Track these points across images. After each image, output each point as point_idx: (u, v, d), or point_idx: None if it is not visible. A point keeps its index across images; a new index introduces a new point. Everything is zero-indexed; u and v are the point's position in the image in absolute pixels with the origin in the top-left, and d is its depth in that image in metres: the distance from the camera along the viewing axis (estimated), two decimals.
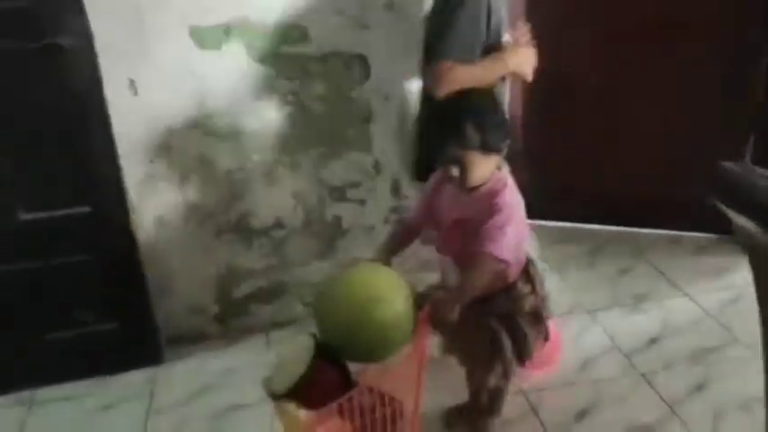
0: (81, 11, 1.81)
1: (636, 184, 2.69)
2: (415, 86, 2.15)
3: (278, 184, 2.22)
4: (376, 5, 2.08)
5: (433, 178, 1.77)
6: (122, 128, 1.97)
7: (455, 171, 1.61)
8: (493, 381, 1.78)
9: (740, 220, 1.10)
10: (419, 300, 1.55)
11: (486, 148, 1.60)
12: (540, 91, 2.33)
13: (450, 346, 1.98)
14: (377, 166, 2.28)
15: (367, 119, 2.20)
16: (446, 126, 1.60)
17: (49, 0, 1.79)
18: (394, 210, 2.35)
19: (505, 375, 1.78)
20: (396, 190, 2.33)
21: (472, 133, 1.57)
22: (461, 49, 1.76)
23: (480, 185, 1.65)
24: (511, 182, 1.70)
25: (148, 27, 1.94)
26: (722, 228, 2.70)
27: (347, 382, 1.50)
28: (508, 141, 1.65)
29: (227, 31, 2.00)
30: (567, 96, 2.62)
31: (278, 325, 2.35)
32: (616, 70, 2.59)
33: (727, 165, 1.15)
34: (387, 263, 1.68)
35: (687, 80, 2.52)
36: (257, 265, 2.31)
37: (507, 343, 1.75)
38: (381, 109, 2.20)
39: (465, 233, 1.65)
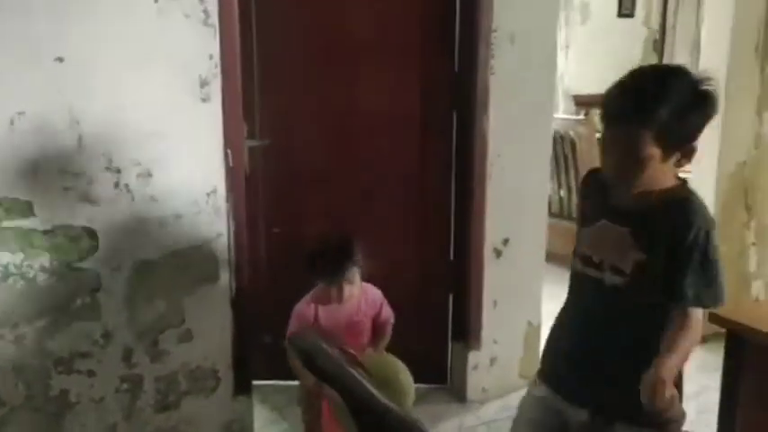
0: None
1: None
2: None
3: None
4: (106, 183, 2.24)
5: None
6: None
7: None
8: None
9: None
10: None
11: None
12: None
13: None
14: (105, 336, 2.31)
15: (96, 289, 2.27)
16: None
17: None
18: (125, 379, 2.36)
19: None
20: (127, 359, 2.36)
21: None
22: None
23: None
24: None
25: None
26: (437, 378, 3.09)
27: None
28: None
29: None
30: None
31: None
32: None
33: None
34: None
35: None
36: None
37: None
38: (110, 279, 2.29)
39: None
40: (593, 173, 1.78)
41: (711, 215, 1.61)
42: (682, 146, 1.54)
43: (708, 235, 1.54)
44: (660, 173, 1.56)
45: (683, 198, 1.59)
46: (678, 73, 1.55)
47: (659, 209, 1.58)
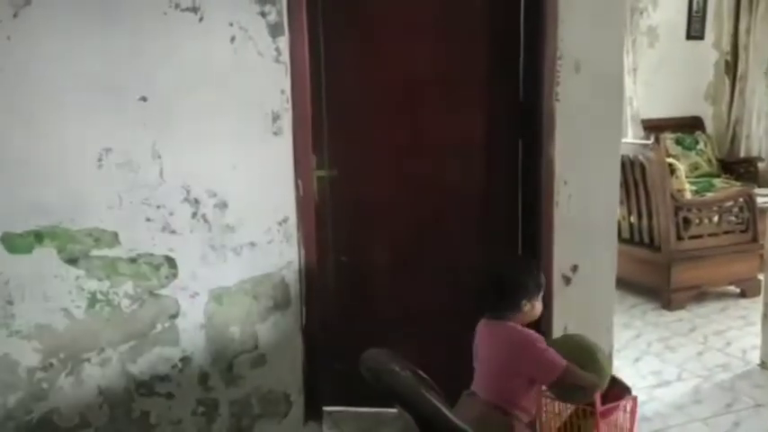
0: None
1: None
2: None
3: (84, 381, 2.28)
4: (185, 213, 2.35)
5: None
6: None
7: None
8: None
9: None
10: None
11: None
12: None
13: None
14: (184, 360, 2.41)
15: (174, 315, 2.38)
16: None
17: None
18: (201, 402, 2.45)
19: None
20: (203, 382, 2.45)
21: None
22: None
23: None
24: None
25: None
26: None
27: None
28: None
29: (38, 236, 2.17)
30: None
31: None
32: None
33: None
34: None
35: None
36: None
37: None
38: (188, 305, 2.39)
39: None
40: None
41: None
42: None
43: None
44: None
45: None
46: None
47: None
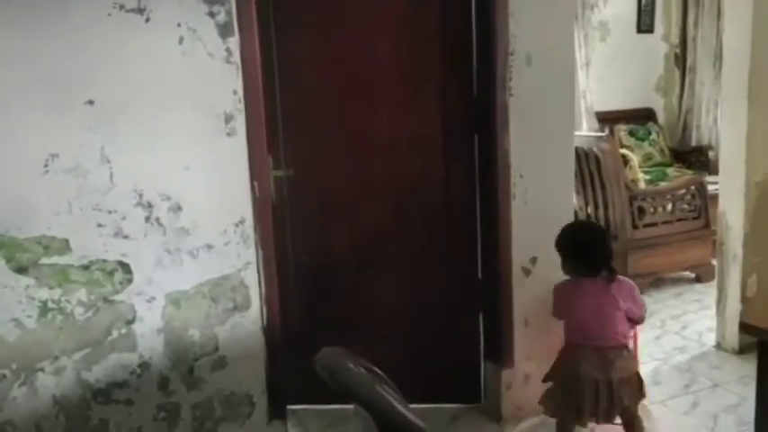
0: None
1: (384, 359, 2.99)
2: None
3: (38, 391, 2.23)
4: (138, 217, 2.32)
5: None
6: None
7: None
8: None
9: None
10: None
11: None
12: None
13: None
14: (142, 365, 2.37)
15: (131, 320, 2.34)
16: None
17: None
18: (162, 407, 2.41)
19: None
20: (164, 387, 2.42)
21: None
22: None
23: None
24: None
25: None
26: (471, 398, 3.08)
27: None
28: None
29: None
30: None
31: None
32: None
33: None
34: None
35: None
36: None
37: None
38: (145, 310, 2.36)
39: None
40: None
41: None
42: None
43: None
44: None
45: None
46: None
47: None
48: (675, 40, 6.42)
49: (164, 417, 2.42)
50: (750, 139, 3.38)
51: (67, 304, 2.24)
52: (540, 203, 2.92)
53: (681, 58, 6.44)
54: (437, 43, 2.88)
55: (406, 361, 2.84)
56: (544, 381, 2.68)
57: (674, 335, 3.78)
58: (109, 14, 2.20)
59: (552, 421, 2.65)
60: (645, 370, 3.30)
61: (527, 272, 2.93)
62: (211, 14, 2.33)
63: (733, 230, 3.47)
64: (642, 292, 4.37)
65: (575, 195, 4.17)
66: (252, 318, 2.52)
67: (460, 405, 3.07)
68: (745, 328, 1.91)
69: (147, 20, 2.25)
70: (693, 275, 4.62)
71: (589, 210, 4.53)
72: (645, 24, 6.26)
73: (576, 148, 4.04)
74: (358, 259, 2.97)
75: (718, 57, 5.58)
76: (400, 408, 1.52)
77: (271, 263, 2.56)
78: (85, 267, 2.25)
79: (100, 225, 2.26)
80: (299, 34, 2.81)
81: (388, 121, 2.92)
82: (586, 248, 2.62)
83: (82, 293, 2.25)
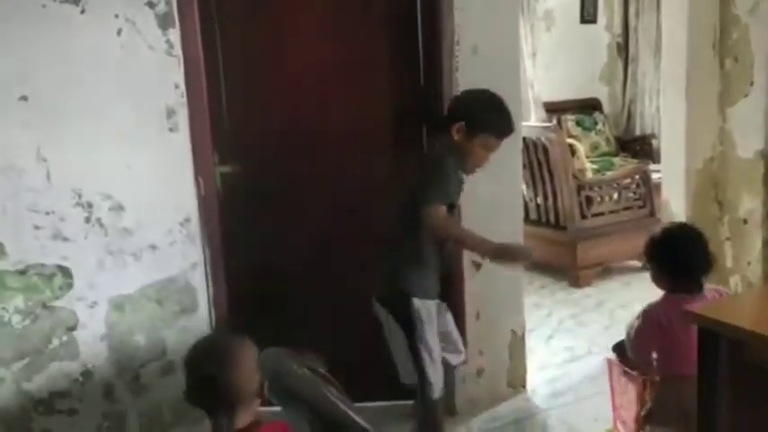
0: None
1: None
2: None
3: None
4: (78, 218, 2.22)
5: None
6: None
7: None
8: None
9: None
10: None
11: None
12: None
13: None
14: (85, 373, 2.28)
15: (72, 327, 2.25)
16: None
17: None
18: (107, 416, 2.33)
19: None
20: (109, 395, 2.33)
21: None
22: (445, 197, 2.24)
23: None
24: None
25: None
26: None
27: None
28: None
29: None
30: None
31: None
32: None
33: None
34: None
35: None
36: None
37: None
38: (87, 316, 2.26)
39: None
40: None
41: None
42: None
43: None
44: None
45: None
46: None
47: None
48: (618, 30, 6.52)
49: (108, 426, 2.34)
50: (689, 127, 3.45)
51: (4, 312, 2.14)
52: (488, 196, 2.91)
53: (623, 48, 6.55)
54: (384, 35, 2.84)
55: (357, 358, 2.81)
56: (639, 424, 2.32)
57: (623, 324, 3.83)
58: (43, 5, 2.10)
59: (508, 415, 2.64)
60: (596, 360, 3.35)
61: (477, 266, 2.94)
62: (150, 5, 2.25)
63: (676, 218, 3.54)
64: (591, 283, 4.51)
65: (524, 186, 4.21)
66: (200, 320, 2.45)
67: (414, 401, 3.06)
68: (687, 315, 1.93)
69: (83, 11, 2.15)
70: (641, 264, 4.70)
71: (539, 200, 4.58)
72: (588, 14, 6.34)
73: (525, 139, 4.08)
74: (308, 256, 2.92)
75: (659, 47, 5.69)
76: (343, 407, 1.50)
77: (218, 263, 2.49)
78: (22, 272, 2.15)
79: (37, 227, 2.16)
80: (245, 27, 2.74)
81: (336, 114, 2.86)
82: (694, 258, 2.23)
83: (19, 300, 2.15)
